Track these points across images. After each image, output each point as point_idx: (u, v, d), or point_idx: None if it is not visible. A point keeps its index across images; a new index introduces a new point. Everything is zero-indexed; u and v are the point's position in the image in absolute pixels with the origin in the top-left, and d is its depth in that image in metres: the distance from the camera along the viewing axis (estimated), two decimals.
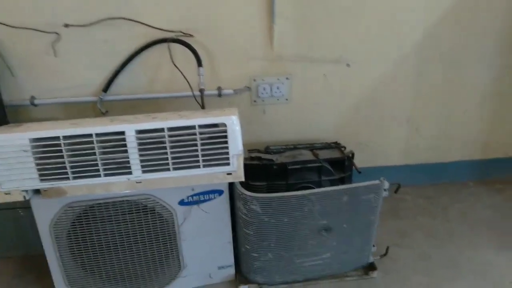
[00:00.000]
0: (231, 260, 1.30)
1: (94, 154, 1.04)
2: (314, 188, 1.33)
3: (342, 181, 1.43)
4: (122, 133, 1.04)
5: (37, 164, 1.02)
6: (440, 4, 1.56)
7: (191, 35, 1.44)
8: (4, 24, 1.35)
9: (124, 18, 1.41)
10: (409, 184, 1.84)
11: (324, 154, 1.45)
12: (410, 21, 1.56)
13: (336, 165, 1.42)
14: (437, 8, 1.56)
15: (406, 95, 1.69)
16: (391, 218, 1.65)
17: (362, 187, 1.19)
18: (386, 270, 1.36)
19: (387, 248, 1.40)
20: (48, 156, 1.02)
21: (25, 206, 1.34)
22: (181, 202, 1.18)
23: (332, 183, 1.40)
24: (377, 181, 1.20)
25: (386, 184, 1.21)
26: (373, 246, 1.34)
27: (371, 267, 1.35)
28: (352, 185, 1.19)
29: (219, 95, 1.54)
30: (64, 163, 1.03)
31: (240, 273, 1.33)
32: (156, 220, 1.17)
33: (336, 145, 1.54)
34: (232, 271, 1.32)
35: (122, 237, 1.17)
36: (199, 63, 1.40)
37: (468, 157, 1.87)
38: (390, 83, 1.65)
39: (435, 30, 1.58)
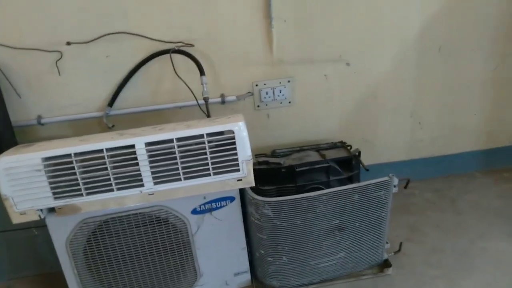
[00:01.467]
0: (246, 266, 1.30)
1: (106, 169, 1.05)
2: (323, 188, 1.33)
3: (350, 180, 1.44)
4: (132, 146, 1.05)
5: (50, 183, 1.03)
6: None
7: (192, 45, 1.46)
8: (7, 46, 1.37)
9: (124, 32, 1.42)
10: (416, 179, 1.85)
11: (331, 154, 1.45)
12: (408, 15, 1.57)
13: (344, 164, 1.43)
14: (433, 2, 1.57)
15: (408, 90, 1.70)
16: (401, 214, 1.66)
17: (372, 185, 1.19)
18: (400, 266, 1.37)
19: (401, 244, 1.40)
20: (61, 174, 1.03)
21: (39, 225, 1.35)
22: (194, 211, 1.19)
23: (341, 182, 1.40)
24: (386, 178, 1.20)
25: (396, 180, 1.22)
26: (386, 243, 1.34)
27: (385, 264, 1.36)
28: (362, 183, 1.19)
29: (223, 102, 1.55)
30: (77, 179, 1.04)
31: (256, 278, 1.34)
32: (170, 231, 1.18)
33: (342, 144, 1.55)
34: (248, 276, 1.32)
35: (138, 250, 1.18)
36: (202, 72, 1.41)
37: (474, 148, 1.87)
38: (391, 78, 1.66)
39: (432, 22, 1.59)
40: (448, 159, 1.87)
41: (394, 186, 1.22)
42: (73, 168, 1.03)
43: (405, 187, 1.28)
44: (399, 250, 1.40)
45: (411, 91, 1.71)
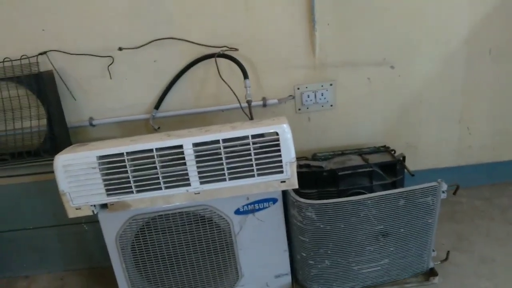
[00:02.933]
0: (287, 268, 1.30)
1: (155, 168, 1.09)
2: (365, 193, 1.31)
3: (394, 185, 1.40)
4: (180, 146, 1.08)
5: (104, 180, 1.09)
6: None
7: (236, 49, 1.49)
8: (63, 52, 1.46)
9: (171, 38, 1.48)
10: (463, 186, 1.76)
11: (374, 159, 1.43)
12: (455, 17, 1.52)
13: (387, 169, 1.40)
14: (482, 2, 1.51)
15: (456, 94, 1.64)
16: (448, 222, 1.60)
17: (419, 190, 1.16)
18: (447, 275, 1.31)
19: (448, 253, 1.35)
20: (114, 172, 1.09)
21: (89, 220, 1.43)
22: (237, 212, 1.20)
23: (384, 187, 1.38)
24: (434, 183, 1.17)
25: (444, 186, 1.18)
26: (433, 250, 1.30)
27: (431, 272, 1.31)
28: (408, 188, 1.16)
29: (264, 105, 1.57)
30: (128, 177, 1.09)
31: (297, 281, 1.33)
32: (213, 230, 1.21)
33: (386, 149, 1.52)
34: (288, 279, 1.32)
35: (182, 248, 1.21)
36: (245, 76, 1.43)
37: None
38: (437, 82, 1.61)
39: (482, 24, 1.53)
40: (498, 167, 1.78)
41: (443, 192, 1.18)
42: (125, 166, 1.08)
43: (454, 193, 1.23)
44: (446, 258, 1.34)
45: (459, 96, 1.64)
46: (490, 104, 1.66)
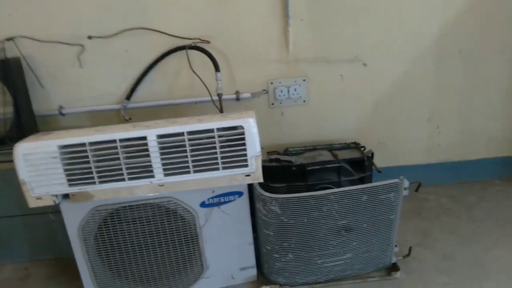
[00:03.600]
0: (252, 261, 1.32)
1: (119, 159, 1.08)
2: (333, 188, 1.33)
3: (362, 181, 1.42)
4: (144, 138, 1.08)
5: (66, 170, 1.08)
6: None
7: (208, 42, 1.48)
8: (32, 39, 1.43)
9: (143, 28, 1.46)
10: (432, 183, 1.81)
11: (344, 155, 1.45)
12: (427, 17, 1.55)
13: (356, 165, 1.42)
14: (454, 3, 1.53)
15: (426, 93, 1.67)
16: (414, 218, 1.63)
17: (381, 186, 1.18)
18: (409, 271, 1.34)
19: (410, 248, 1.38)
20: (76, 162, 1.07)
21: (56, 210, 1.41)
22: (202, 204, 1.21)
23: (352, 183, 1.39)
24: (396, 180, 1.19)
25: (406, 183, 1.20)
26: (395, 246, 1.32)
27: (394, 267, 1.34)
28: (371, 184, 1.18)
29: (237, 99, 1.57)
30: (90, 168, 1.08)
31: (262, 274, 1.35)
32: (178, 222, 1.21)
33: (356, 145, 1.53)
34: (254, 272, 1.33)
35: (147, 239, 1.21)
36: (217, 69, 1.43)
37: (494, 155, 1.82)
38: (409, 81, 1.64)
39: (453, 25, 1.56)
40: (467, 165, 1.82)
41: (405, 189, 1.21)
42: (87, 157, 1.07)
43: (416, 190, 1.26)
44: (409, 254, 1.37)
45: (429, 95, 1.67)
46: (459, 104, 1.70)
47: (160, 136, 1.08)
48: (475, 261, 1.37)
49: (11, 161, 1.33)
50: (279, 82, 1.59)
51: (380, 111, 1.68)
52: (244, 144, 1.11)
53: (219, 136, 1.10)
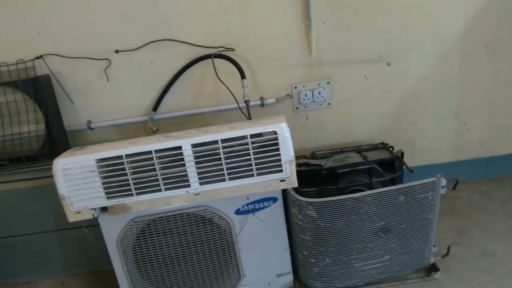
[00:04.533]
0: (289, 267, 1.31)
1: (154, 170, 1.09)
2: (365, 190, 1.31)
3: (393, 181, 1.41)
4: (179, 148, 1.08)
5: (103, 183, 1.09)
6: None
7: (233, 49, 1.49)
8: (60, 56, 1.45)
9: (167, 39, 1.47)
10: (462, 181, 1.76)
11: (373, 156, 1.43)
12: (450, 12, 1.53)
13: (386, 166, 1.41)
14: None
15: (452, 89, 1.64)
16: (447, 217, 1.60)
17: (418, 186, 1.17)
18: (449, 270, 1.32)
19: (449, 248, 1.35)
20: (113, 175, 1.08)
21: (90, 224, 1.43)
22: (237, 212, 1.21)
23: (384, 184, 1.38)
24: (433, 178, 1.17)
25: (443, 181, 1.18)
26: (434, 246, 1.30)
27: (433, 268, 1.31)
28: (408, 184, 1.17)
29: (262, 105, 1.57)
30: (127, 180, 1.09)
31: (299, 280, 1.34)
32: (214, 230, 1.21)
33: (384, 146, 1.52)
34: (290, 278, 1.32)
35: (184, 249, 1.21)
36: (243, 76, 1.43)
37: None
38: (434, 78, 1.62)
39: (478, 19, 1.54)
40: (497, 161, 1.78)
41: (442, 187, 1.19)
42: (124, 169, 1.08)
43: (454, 188, 1.24)
44: (447, 254, 1.35)
45: (456, 91, 1.65)
46: (486, 99, 1.67)
47: (195, 145, 1.09)
48: None
49: (45, 177, 1.36)
50: (303, 86, 1.59)
51: (406, 110, 1.66)
52: (278, 149, 1.10)
53: (253, 143, 1.10)
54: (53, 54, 1.45)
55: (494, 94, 1.67)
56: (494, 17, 1.55)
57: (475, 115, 1.70)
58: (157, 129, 1.55)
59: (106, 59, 1.47)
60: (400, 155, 1.43)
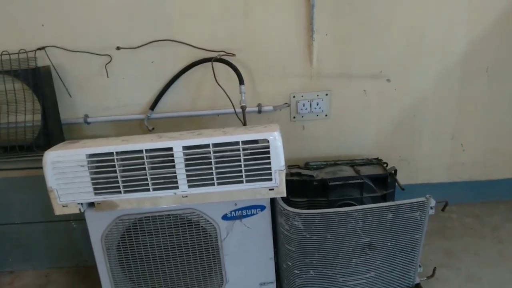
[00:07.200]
0: (272, 276, 1.30)
1: (144, 169, 1.09)
2: (355, 205, 1.31)
3: (384, 198, 1.40)
4: (170, 149, 1.08)
5: (92, 179, 1.09)
6: (484, 17, 1.52)
7: (233, 54, 1.49)
8: (62, 49, 1.46)
9: (169, 40, 1.48)
10: (454, 202, 1.77)
11: (366, 171, 1.43)
12: (452, 34, 1.54)
13: (378, 181, 1.40)
14: (481, 21, 1.52)
15: (450, 110, 1.64)
16: (437, 238, 1.59)
17: (407, 205, 1.16)
18: None
19: (434, 269, 1.34)
20: (102, 171, 1.09)
21: (78, 218, 1.43)
22: (224, 217, 1.20)
23: (374, 200, 1.37)
24: (423, 198, 1.17)
25: (433, 202, 1.18)
26: (419, 266, 1.29)
27: None
28: (397, 202, 1.16)
29: (259, 111, 1.58)
30: (116, 177, 1.09)
31: None
32: (200, 234, 1.20)
33: (378, 161, 1.51)
34: (273, 287, 1.32)
35: (168, 250, 1.21)
36: (241, 81, 1.44)
37: None
38: (433, 97, 1.62)
39: (480, 43, 1.54)
40: (491, 185, 1.78)
41: (431, 208, 1.18)
42: (114, 166, 1.08)
43: (443, 210, 1.23)
44: (433, 275, 1.34)
45: (454, 112, 1.65)
46: (484, 122, 1.67)
47: (186, 148, 1.09)
48: (501, 284, 1.33)
49: (37, 168, 1.36)
50: (302, 96, 1.59)
51: (403, 127, 1.66)
52: (268, 158, 1.10)
53: (244, 149, 1.10)
54: (55, 46, 1.46)
55: (493, 118, 1.67)
56: (497, 42, 1.55)
57: (472, 138, 1.70)
58: (153, 128, 1.55)
59: (107, 55, 1.48)
60: (393, 172, 1.42)
